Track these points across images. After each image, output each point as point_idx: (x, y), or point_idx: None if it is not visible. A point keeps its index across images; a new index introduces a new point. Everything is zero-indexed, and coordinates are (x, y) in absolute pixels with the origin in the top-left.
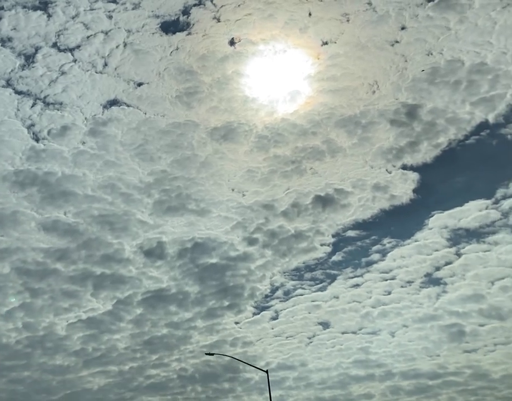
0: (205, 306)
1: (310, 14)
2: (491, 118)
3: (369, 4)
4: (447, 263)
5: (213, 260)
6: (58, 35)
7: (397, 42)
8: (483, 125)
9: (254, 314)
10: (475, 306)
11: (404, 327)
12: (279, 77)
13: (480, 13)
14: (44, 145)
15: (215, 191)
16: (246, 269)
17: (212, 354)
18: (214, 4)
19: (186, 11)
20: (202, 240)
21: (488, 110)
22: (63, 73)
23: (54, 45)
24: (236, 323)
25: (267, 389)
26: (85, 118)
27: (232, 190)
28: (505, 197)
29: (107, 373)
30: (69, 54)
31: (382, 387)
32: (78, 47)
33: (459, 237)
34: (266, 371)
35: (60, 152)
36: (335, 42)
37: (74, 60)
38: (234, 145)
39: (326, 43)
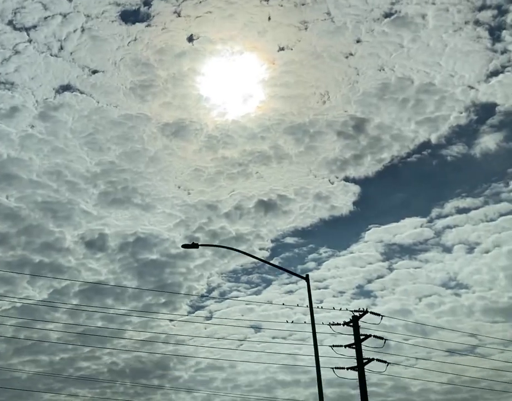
0: (142, 301)
1: (269, 18)
2: (433, 138)
3: (328, 14)
4: (379, 277)
5: (154, 256)
6: (15, 13)
7: (351, 54)
8: (426, 145)
9: (189, 313)
10: (401, 320)
11: (332, 336)
12: (233, 78)
13: (432, 34)
14: None
15: (161, 187)
16: (185, 267)
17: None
18: None
19: (147, 2)
20: (145, 235)
21: (432, 130)
22: (16, 52)
23: (10, 23)
24: (171, 320)
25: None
26: (37, 101)
27: (179, 187)
28: (439, 216)
29: (38, 362)
30: (25, 33)
31: (306, 393)
32: (35, 27)
33: (393, 252)
34: (306, 276)
35: (8, 133)
36: (292, 49)
37: (30, 41)
38: (184, 143)
39: (282, 49)
